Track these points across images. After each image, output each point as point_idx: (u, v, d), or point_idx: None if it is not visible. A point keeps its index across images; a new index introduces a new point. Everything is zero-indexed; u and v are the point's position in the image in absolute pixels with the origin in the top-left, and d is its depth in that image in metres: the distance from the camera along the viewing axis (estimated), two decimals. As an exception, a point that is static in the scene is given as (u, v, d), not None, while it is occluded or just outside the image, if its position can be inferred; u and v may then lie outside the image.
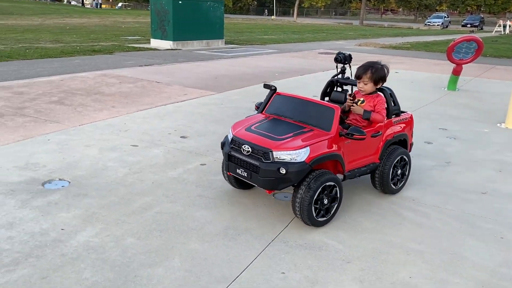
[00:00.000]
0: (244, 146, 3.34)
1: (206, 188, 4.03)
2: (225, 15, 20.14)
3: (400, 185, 4.09)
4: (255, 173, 3.28)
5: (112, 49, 14.37)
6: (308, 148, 3.20)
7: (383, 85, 3.86)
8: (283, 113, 3.64)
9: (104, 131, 5.55)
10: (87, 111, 6.52)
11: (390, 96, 3.91)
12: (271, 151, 3.20)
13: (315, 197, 3.23)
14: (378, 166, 3.85)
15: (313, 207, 3.25)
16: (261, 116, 3.69)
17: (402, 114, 4.09)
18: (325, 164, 3.46)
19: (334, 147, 3.36)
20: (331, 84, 4.30)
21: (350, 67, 4.18)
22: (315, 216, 3.32)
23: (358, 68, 3.81)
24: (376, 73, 3.73)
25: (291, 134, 3.31)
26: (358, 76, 3.79)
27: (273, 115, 3.67)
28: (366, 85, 3.77)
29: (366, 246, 3.23)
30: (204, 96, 7.99)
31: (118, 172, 4.30)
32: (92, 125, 5.81)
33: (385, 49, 19.86)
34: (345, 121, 3.77)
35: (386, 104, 3.82)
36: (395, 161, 3.90)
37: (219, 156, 4.87)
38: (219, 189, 4.03)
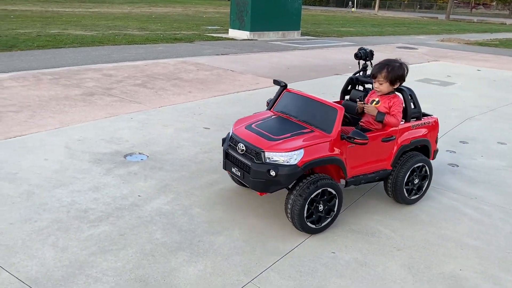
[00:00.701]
0: (240, 145, 3.23)
1: (269, 170, 4.27)
2: (304, 7, 20.19)
3: (417, 195, 3.76)
4: (247, 173, 3.13)
5: (192, 38, 15.07)
6: (302, 150, 3.02)
7: (401, 85, 3.55)
8: (289, 111, 3.47)
9: (181, 114, 5.99)
10: (167, 94, 7.04)
11: (410, 98, 3.59)
12: (263, 152, 3.05)
13: (307, 202, 3.05)
14: (390, 173, 3.56)
15: (305, 212, 3.07)
16: (267, 114, 3.54)
17: (425, 117, 3.75)
18: (326, 168, 3.30)
19: (334, 151, 3.14)
20: (351, 82, 4.05)
21: (371, 64, 3.87)
22: (306, 219, 3.12)
23: (374, 67, 3.56)
24: (392, 72, 3.43)
25: (289, 135, 3.15)
26: (373, 75, 3.50)
27: (279, 113, 3.51)
28: (381, 85, 3.47)
29: (419, 237, 3.29)
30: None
31: (190, 150, 4.68)
32: (170, 107, 6.29)
33: (469, 45, 18.78)
34: (359, 122, 3.62)
35: (404, 106, 3.53)
36: (411, 169, 3.58)
37: (284, 142, 5.10)
38: (281, 173, 4.26)
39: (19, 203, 3.38)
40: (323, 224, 3.23)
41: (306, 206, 3.06)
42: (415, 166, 3.60)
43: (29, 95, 6.41)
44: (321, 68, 10.49)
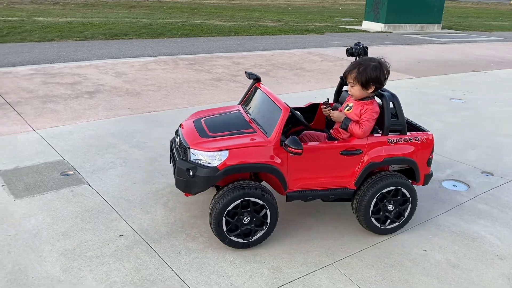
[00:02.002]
0: (177, 138, 3.05)
1: (374, 163, 4.22)
2: (450, -2, 18.64)
3: (392, 225, 3.07)
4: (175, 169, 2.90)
5: (323, 30, 15.12)
6: (226, 152, 2.70)
7: (378, 89, 2.91)
8: (249, 107, 3.17)
9: (296, 101, 6.16)
10: (287, 83, 7.29)
11: (393, 106, 2.92)
12: (188, 148, 2.81)
13: (225, 212, 2.70)
14: (354, 193, 2.99)
15: (224, 223, 2.73)
16: (229, 108, 3.30)
17: (413, 133, 3.02)
18: (267, 177, 2.94)
19: (270, 158, 2.73)
20: (343, 82, 3.46)
21: None
22: (226, 232, 2.75)
23: (348, 66, 3.00)
24: (364, 73, 2.83)
25: (226, 133, 2.86)
26: (344, 75, 2.98)
27: (242, 108, 3.22)
28: (352, 88, 2.92)
29: (529, 249, 2.98)
30: (400, 79, 7.92)
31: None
32: (287, 95, 6.51)
33: None
34: (330, 131, 3.13)
35: (377, 115, 2.90)
36: (382, 192, 2.93)
37: (395, 137, 4.96)
38: (385, 166, 4.18)
39: (144, 167, 3.92)
40: (252, 238, 2.82)
41: (224, 216, 2.72)
42: (388, 189, 2.95)
43: (167, 77, 7.21)
44: (456, 64, 9.73)
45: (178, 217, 3.17)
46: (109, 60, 8.39)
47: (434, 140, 3.09)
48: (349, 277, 2.64)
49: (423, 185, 3.17)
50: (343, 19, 19.96)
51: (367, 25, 16.85)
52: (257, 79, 3.22)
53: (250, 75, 3.23)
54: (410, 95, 6.78)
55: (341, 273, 2.67)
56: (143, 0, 24.71)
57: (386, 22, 16.14)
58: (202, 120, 3.13)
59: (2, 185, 3.46)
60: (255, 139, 2.77)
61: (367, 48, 3.24)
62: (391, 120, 2.89)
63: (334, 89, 6.81)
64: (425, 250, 2.93)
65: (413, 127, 3.22)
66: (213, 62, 8.65)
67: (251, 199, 2.73)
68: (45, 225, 2.97)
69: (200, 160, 2.75)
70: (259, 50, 10.38)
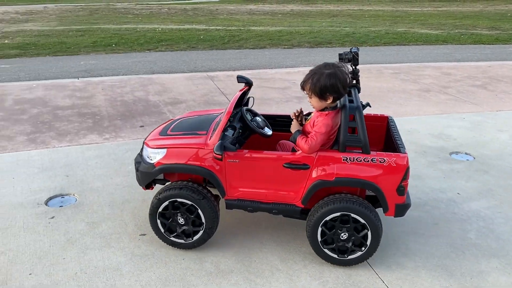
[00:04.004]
0: None
1: None
2: None
3: (349, 256, 2.66)
4: None
5: (554, 38, 12.90)
6: (165, 150, 2.79)
7: (338, 99, 2.61)
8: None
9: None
10: (508, 98, 6.46)
11: (352, 120, 2.51)
12: (143, 143, 2.98)
13: (159, 210, 2.79)
14: (304, 212, 2.74)
15: (159, 224, 2.83)
16: (216, 111, 3.30)
17: (381, 153, 2.57)
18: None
19: (206, 161, 2.70)
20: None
21: (354, 69, 2.91)
22: (166, 233, 2.83)
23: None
24: (317, 82, 2.57)
25: (180, 133, 2.93)
26: (301, 87, 2.71)
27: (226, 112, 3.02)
28: (311, 99, 2.67)
29: None
30: None
31: (525, 160, 4.24)
32: (508, 113, 5.76)
33: None
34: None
35: (329, 128, 2.61)
36: (333, 216, 2.59)
37: None
38: None
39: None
40: (193, 239, 2.83)
41: (159, 216, 2.82)
42: (339, 214, 2.58)
43: (371, 86, 7.16)
44: None
45: (390, 230, 3.10)
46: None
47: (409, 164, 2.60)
48: None
49: (394, 216, 2.68)
50: None
51: None
52: (247, 83, 3.00)
53: (239, 79, 2.98)
54: None
55: None
56: (345, 9, 25.11)
57: None
58: (180, 119, 3.24)
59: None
60: (195, 141, 2.80)
61: (357, 53, 2.91)
62: (348, 135, 2.55)
63: None
64: None
65: (398, 147, 2.71)
66: (419, 72, 8.24)
67: (179, 199, 2.74)
68: (264, 215, 3.24)
69: (148, 156, 2.90)
70: (472, 61, 9.45)
